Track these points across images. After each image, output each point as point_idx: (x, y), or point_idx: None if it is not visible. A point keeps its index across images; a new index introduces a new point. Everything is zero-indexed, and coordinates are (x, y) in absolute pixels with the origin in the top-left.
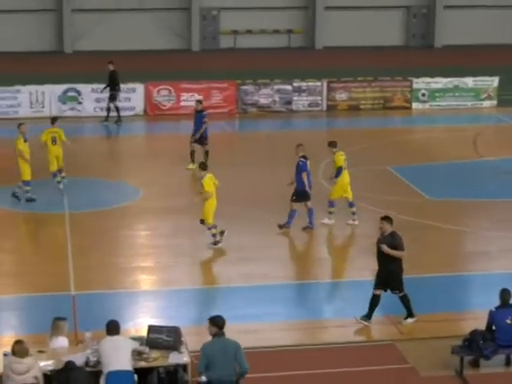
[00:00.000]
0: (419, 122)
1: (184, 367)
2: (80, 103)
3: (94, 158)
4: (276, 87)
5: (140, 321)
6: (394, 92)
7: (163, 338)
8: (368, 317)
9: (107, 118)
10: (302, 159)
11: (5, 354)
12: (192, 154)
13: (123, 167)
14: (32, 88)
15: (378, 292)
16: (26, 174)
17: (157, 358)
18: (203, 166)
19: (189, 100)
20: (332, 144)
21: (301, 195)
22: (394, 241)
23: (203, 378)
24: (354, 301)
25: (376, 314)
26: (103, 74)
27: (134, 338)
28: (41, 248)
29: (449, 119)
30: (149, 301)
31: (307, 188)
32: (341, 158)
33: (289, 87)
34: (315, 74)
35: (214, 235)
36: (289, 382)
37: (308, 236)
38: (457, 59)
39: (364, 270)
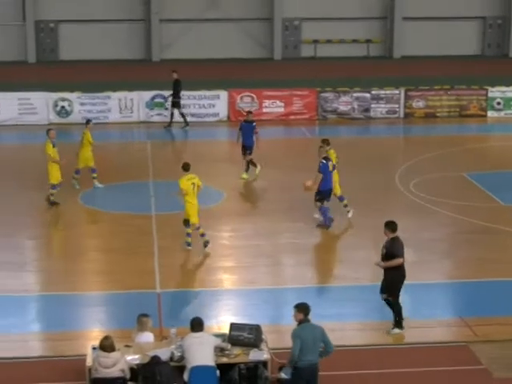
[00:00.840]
0: (494, 129)
1: (264, 364)
2: (167, 109)
3: (179, 161)
4: (355, 95)
5: (222, 318)
6: (470, 100)
7: (244, 336)
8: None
9: (170, 123)
10: (323, 161)
11: (93, 348)
12: (251, 162)
13: (207, 170)
14: (121, 94)
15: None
16: (55, 177)
17: (238, 355)
18: (186, 167)
19: (271, 107)
20: (325, 141)
21: (326, 194)
22: (392, 247)
23: (282, 375)
24: (429, 302)
25: (450, 316)
26: (188, 82)
27: (217, 335)
28: (128, 247)
29: None
30: (231, 299)
31: (321, 188)
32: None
33: (367, 95)
34: (393, 82)
35: (188, 234)
36: (363, 381)
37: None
38: None
39: (440, 272)
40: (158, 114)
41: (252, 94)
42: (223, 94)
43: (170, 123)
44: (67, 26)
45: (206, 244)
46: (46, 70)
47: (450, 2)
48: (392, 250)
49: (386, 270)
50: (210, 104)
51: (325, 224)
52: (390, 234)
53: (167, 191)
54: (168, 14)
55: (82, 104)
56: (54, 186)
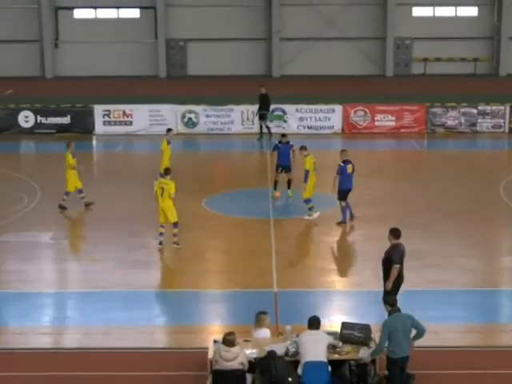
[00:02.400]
0: None
1: (373, 361)
2: (285, 121)
3: (295, 170)
4: (462, 110)
5: (334, 317)
6: None
7: (355, 334)
8: None
9: (261, 135)
10: (342, 164)
11: (215, 341)
12: (275, 183)
13: (323, 179)
14: (243, 107)
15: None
16: (78, 183)
17: (349, 352)
18: (167, 172)
19: (382, 120)
20: (303, 148)
21: (344, 194)
22: (391, 252)
23: (386, 373)
24: None
25: None
26: (306, 96)
27: (329, 333)
28: (248, 249)
29: None
30: (342, 300)
31: (340, 188)
32: (310, 161)
33: (474, 110)
34: (499, 98)
35: (160, 234)
36: (464, 381)
37: (491, 247)
38: None
39: None
40: (277, 126)
41: (365, 109)
42: (338, 108)
43: (262, 134)
44: (195, 44)
45: (175, 243)
46: (175, 84)
47: None
48: (390, 256)
49: (387, 276)
50: (325, 117)
51: (344, 221)
52: (393, 239)
53: (284, 197)
54: (287, 33)
55: (208, 116)
56: (79, 191)
